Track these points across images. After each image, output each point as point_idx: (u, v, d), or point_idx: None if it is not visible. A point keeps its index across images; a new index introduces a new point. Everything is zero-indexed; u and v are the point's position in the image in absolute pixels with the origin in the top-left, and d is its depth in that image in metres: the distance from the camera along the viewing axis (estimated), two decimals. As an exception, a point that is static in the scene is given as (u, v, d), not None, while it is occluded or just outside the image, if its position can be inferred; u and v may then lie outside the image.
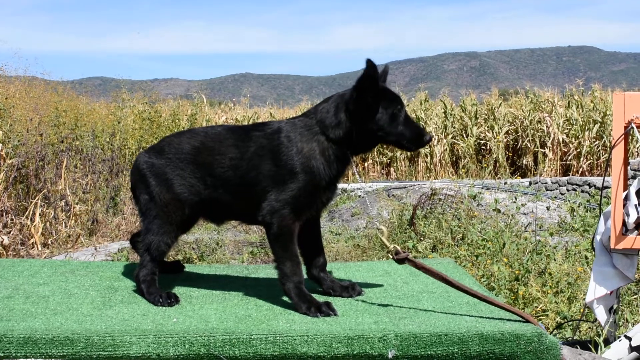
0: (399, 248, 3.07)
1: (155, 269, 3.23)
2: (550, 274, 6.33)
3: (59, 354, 2.56)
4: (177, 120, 17.66)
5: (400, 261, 3.05)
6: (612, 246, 4.06)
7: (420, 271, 3.05)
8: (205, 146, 3.22)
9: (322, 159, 3.04)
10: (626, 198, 4.06)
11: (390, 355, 2.58)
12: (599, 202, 4.53)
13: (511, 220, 8.35)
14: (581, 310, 5.40)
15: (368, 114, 3.02)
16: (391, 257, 3.08)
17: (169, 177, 3.22)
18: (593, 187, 14.85)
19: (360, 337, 2.59)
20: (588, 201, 12.63)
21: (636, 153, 16.89)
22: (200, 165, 3.19)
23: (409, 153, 20.47)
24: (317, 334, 2.60)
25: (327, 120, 3.07)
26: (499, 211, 8.62)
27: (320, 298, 3.02)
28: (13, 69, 16.57)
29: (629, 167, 11.72)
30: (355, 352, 2.58)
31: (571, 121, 20.52)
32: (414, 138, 3.09)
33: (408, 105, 22.18)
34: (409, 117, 3.11)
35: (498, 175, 19.64)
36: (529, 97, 22.20)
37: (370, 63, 2.96)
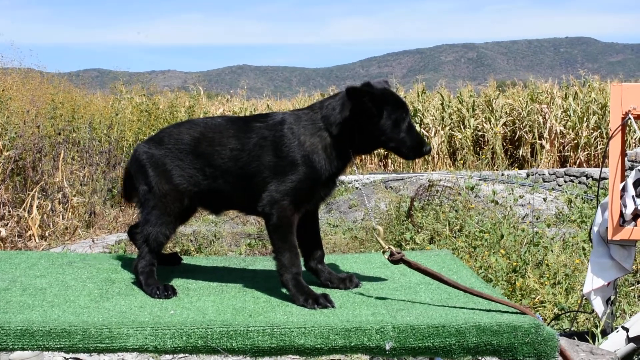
0: (393, 249, 3.08)
1: (153, 260, 3.23)
2: (547, 265, 6.35)
3: (56, 346, 2.56)
4: (174, 112, 17.65)
5: (395, 262, 3.07)
6: (609, 237, 4.07)
7: (417, 271, 3.06)
8: (205, 137, 3.21)
9: (324, 155, 3.04)
10: (623, 189, 4.06)
11: (387, 347, 2.58)
12: (596, 194, 4.53)
13: (509, 211, 8.36)
14: (579, 302, 5.41)
15: (371, 118, 3.01)
16: (387, 257, 3.10)
17: (168, 168, 3.22)
18: (590, 179, 14.87)
19: (358, 329, 2.58)
20: (585, 192, 12.64)
21: (634, 144, 16.90)
22: (200, 155, 3.19)
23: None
24: (314, 325, 2.59)
25: (332, 117, 3.07)
26: (496, 203, 8.62)
27: (317, 290, 3.02)
28: (9, 61, 16.54)
29: (626, 158, 11.72)
30: (352, 344, 2.58)
31: (569, 112, 20.52)
32: (414, 147, 3.08)
33: (405, 97, 22.16)
34: (412, 125, 3.11)
35: (495, 167, 19.65)
36: (528, 88, 22.18)
37: (348, 91, 2.98)
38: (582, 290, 4.71)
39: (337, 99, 3.12)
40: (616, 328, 4.07)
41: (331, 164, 3.06)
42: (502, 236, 7.04)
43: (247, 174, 3.10)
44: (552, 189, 13.78)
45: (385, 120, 3.02)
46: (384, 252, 3.12)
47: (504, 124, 21.24)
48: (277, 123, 3.10)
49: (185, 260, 3.86)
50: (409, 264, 3.04)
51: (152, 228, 3.20)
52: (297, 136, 3.04)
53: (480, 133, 21.40)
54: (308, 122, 3.08)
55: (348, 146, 3.07)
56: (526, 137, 20.62)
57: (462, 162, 20.07)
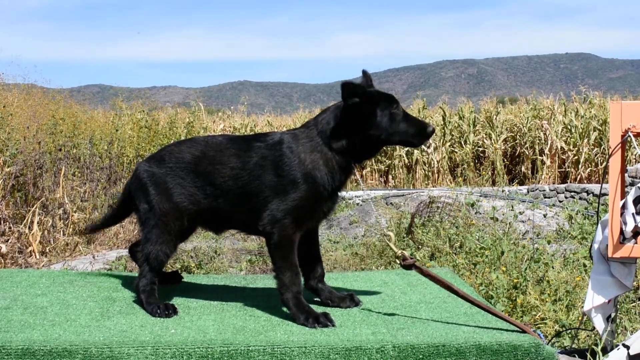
0: (406, 254, 3.09)
1: (154, 279, 3.23)
2: (548, 282, 6.33)
3: (57, 365, 2.56)
4: (174, 128, 17.66)
5: (407, 267, 3.07)
6: (609, 255, 4.06)
7: (427, 278, 3.07)
8: (206, 155, 3.23)
9: (326, 170, 3.06)
10: (623, 206, 4.06)
11: (388, 366, 2.58)
12: (596, 210, 4.54)
13: (509, 228, 8.35)
14: (579, 319, 5.40)
15: (368, 121, 3.04)
16: (399, 262, 3.10)
17: (169, 186, 3.23)
18: (591, 194, 14.85)
19: (358, 349, 2.59)
20: (586, 208, 12.62)
21: (634, 160, 16.91)
22: (201, 174, 3.21)
23: (407, 160, 20.65)
24: (315, 345, 2.60)
25: (329, 131, 3.09)
26: (496, 220, 8.62)
27: (318, 309, 3.03)
28: (11, 77, 16.59)
29: (626, 174, 11.72)
30: (353, 363, 2.58)
31: (569, 128, 20.54)
32: (417, 132, 3.12)
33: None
34: (407, 113, 3.14)
35: (496, 183, 19.64)
36: (529, 104, 22.20)
37: (343, 86, 3.05)
38: (583, 307, 4.70)
39: (329, 112, 3.15)
40: (617, 345, 4.05)
41: (334, 177, 3.07)
42: (502, 253, 7.03)
43: (247, 193, 3.11)
44: (553, 205, 13.77)
45: (381, 118, 3.05)
46: (396, 257, 3.13)
47: (505, 140, 21.25)
48: (276, 143, 3.12)
49: (186, 278, 3.86)
50: (420, 270, 3.05)
51: (153, 247, 3.21)
52: (297, 154, 3.06)
53: (480, 149, 21.41)
54: (306, 140, 3.10)
55: (350, 156, 3.10)
56: (527, 153, 20.62)
57: (462, 178, 20.06)
